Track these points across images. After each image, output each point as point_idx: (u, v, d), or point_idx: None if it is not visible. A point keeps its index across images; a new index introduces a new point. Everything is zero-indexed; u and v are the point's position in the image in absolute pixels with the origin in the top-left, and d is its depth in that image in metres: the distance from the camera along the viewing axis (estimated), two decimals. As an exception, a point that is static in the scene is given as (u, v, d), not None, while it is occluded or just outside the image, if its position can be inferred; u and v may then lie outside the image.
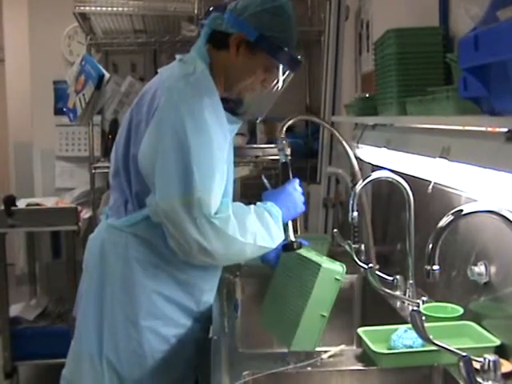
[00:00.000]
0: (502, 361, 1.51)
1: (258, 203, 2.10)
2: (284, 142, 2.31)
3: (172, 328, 2.06)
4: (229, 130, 2.07)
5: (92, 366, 2.08)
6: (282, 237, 2.06)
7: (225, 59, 2.08)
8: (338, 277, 1.94)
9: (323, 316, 1.94)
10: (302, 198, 2.19)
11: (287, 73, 2.20)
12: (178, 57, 2.13)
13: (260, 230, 1.99)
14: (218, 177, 1.92)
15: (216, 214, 1.90)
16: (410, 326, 1.61)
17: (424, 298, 2.06)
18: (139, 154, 1.98)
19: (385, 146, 2.17)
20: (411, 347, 1.70)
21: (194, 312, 2.10)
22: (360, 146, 2.58)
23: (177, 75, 2.02)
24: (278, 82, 2.17)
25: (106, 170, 4.57)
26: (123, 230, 2.06)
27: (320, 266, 1.94)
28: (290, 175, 2.27)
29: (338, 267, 1.96)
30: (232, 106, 2.19)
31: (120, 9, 4.27)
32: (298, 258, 2.09)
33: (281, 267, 2.21)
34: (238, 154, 4.45)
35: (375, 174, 2.20)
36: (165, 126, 1.92)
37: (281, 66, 2.15)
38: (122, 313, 2.04)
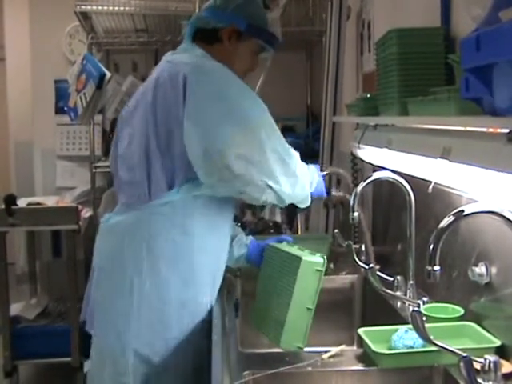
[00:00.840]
0: (503, 361, 1.51)
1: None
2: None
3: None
4: None
5: (114, 360, 2.10)
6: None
7: (219, 51, 2.25)
8: (319, 268, 1.93)
9: (309, 309, 1.93)
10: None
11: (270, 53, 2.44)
12: (167, 56, 2.29)
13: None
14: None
15: None
16: (410, 326, 1.61)
17: (425, 299, 2.06)
18: (185, 137, 2.03)
19: (386, 147, 2.16)
20: (412, 347, 1.69)
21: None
22: (361, 146, 2.58)
23: (190, 58, 2.19)
24: (265, 59, 2.41)
25: (106, 170, 4.58)
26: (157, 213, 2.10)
27: (300, 259, 1.94)
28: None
29: (318, 259, 1.95)
30: None
31: (121, 8, 4.27)
32: (280, 254, 2.11)
33: (264, 266, 2.22)
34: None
35: (376, 175, 2.20)
36: (207, 99, 2.05)
37: (266, 47, 2.36)
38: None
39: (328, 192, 2.46)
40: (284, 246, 2.15)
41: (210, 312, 2.13)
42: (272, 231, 3.50)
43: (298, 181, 2.16)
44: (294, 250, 2.08)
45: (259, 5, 2.33)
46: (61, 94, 4.86)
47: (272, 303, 2.03)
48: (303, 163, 2.26)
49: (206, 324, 2.10)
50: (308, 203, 2.27)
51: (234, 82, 2.14)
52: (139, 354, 2.06)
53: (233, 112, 2.06)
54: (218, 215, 2.16)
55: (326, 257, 1.97)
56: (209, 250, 2.14)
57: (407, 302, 2.13)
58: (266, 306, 2.07)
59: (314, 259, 1.95)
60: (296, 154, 2.22)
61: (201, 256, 2.11)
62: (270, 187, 2.06)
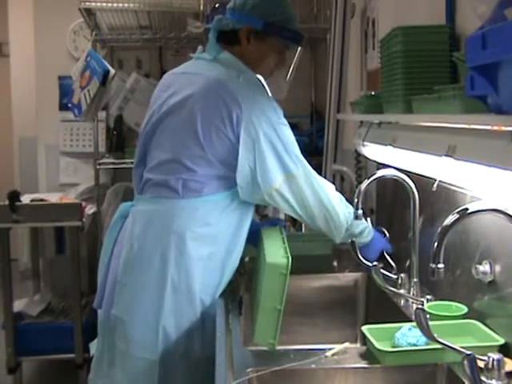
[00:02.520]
0: (506, 360, 1.51)
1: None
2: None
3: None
4: None
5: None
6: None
7: (239, 52, 2.29)
8: (283, 271, 1.91)
9: (277, 309, 1.93)
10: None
11: (298, 50, 2.56)
12: (196, 55, 2.38)
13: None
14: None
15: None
16: (414, 324, 1.61)
17: (428, 297, 2.06)
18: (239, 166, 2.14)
19: (390, 144, 2.16)
20: (415, 345, 1.69)
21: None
22: (365, 143, 2.58)
23: (227, 73, 2.22)
24: (290, 58, 2.36)
25: (110, 166, 4.59)
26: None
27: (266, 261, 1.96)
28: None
29: (282, 261, 1.93)
30: None
31: (125, 5, 4.27)
32: (261, 249, 2.12)
33: (255, 259, 2.29)
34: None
35: (380, 172, 2.20)
36: (257, 132, 2.13)
37: (289, 44, 2.38)
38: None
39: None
40: (268, 237, 2.18)
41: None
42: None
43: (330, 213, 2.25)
44: (272, 244, 2.09)
45: (280, 2, 2.31)
46: (65, 90, 4.86)
47: (254, 300, 2.09)
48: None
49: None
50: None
51: (278, 111, 2.22)
52: (167, 334, 2.14)
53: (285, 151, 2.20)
54: (243, 213, 2.27)
55: (290, 257, 1.94)
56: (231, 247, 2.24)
57: (411, 300, 2.13)
58: (253, 303, 2.12)
59: (277, 261, 1.93)
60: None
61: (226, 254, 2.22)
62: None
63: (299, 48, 2.49)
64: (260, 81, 2.29)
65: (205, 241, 2.17)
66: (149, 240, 2.19)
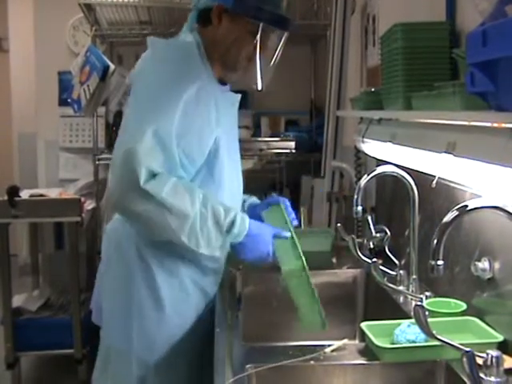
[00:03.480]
0: (505, 357, 1.51)
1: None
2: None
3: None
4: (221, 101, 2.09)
5: (120, 359, 2.11)
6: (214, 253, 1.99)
7: (212, 34, 2.07)
8: (302, 274, 1.95)
9: (312, 301, 1.95)
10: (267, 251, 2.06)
11: (282, 36, 2.14)
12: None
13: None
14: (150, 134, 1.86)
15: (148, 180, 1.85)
16: (413, 320, 1.61)
17: (427, 293, 2.06)
18: None
19: (390, 141, 2.16)
20: (414, 342, 1.69)
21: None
22: (365, 140, 2.58)
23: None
24: (271, 44, 2.12)
25: (109, 162, 4.57)
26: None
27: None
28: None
29: (296, 264, 1.96)
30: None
31: (125, 0, 4.27)
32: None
33: None
34: (243, 148, 4.47)
35: (380, 169, 2.19)
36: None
37: (268, 27, 2.06)
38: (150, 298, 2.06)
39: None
40: (279, 242, 2.08)
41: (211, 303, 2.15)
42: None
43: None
44: (281, 244, 2.06)
45: None
46: (64, 85, 4.85)
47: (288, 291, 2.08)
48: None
49: (207, 315, 2.13)
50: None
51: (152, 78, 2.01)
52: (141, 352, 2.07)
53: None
54: None
55: (302, 256, 1.97)
56: None
57: (410, 297, 2.13)
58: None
59: (292, 267, 1.97)
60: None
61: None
62: None
63: (285, 34, 2.12)
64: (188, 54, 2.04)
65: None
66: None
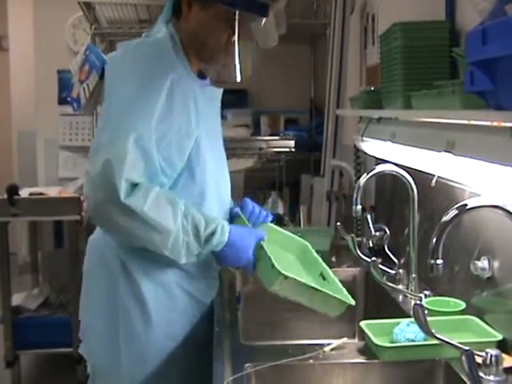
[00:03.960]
0: (504, 355, 1.51)
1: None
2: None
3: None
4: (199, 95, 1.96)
5: (108, 378, 2.05)
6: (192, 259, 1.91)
7: (185, 25, 1.93)
8: (281, 281, 1.83)
9: (313, 293, 1.86)
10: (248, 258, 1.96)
11: (260, 22, 1.96)
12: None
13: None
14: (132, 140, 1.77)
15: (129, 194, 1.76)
16: (412, 319, 1.61)
17: (426, 292, 2.06)
18: None
19: (389, 140, 2.16)
20: (413, 341, 1.69)
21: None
22: (364, 139, 2.58)
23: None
24: (247, 32, 1.93)
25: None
26: None
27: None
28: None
29: (272, 274, 1.83)
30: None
31: (125, -2, 4.27)
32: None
33: None
34: (242, 146, 4.47)
35: (379, 168, 2.19)
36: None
37: (246, 15, 1.89)
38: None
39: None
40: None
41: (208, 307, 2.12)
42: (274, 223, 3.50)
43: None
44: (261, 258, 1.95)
45: None
46: (64, 84, 4.85)
47: None
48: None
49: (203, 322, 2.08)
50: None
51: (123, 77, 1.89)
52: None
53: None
54: None
55: (277, 269, 1.82)
56: None
57: (409, 296, 2.13)
58: None
59: (271, 277, 1.84)
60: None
61: None
62: None
63: (263, 20, 1.94)
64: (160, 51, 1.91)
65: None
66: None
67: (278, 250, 2.08)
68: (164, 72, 1.84)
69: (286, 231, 2.20)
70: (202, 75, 2.01)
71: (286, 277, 1.79)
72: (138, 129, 1.76)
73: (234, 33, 1.87)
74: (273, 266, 1.80)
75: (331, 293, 1.86)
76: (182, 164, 1.91)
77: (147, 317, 1.96)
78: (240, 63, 1.91)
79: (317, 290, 1.84)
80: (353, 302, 1.87)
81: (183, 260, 1.87)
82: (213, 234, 1.87)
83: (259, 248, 1.92)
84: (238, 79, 1.93)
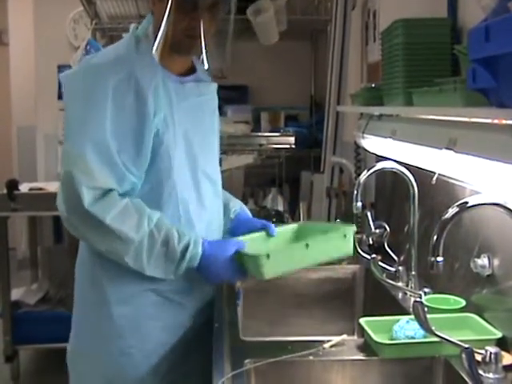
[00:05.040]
0: (504, 353, 1.51)
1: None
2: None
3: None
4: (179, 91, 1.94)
5: None
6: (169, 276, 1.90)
7: (155, 20, 1.93)
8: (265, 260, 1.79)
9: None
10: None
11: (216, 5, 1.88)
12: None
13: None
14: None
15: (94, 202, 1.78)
16: (412, 316, 1.61)
17: (426, 290, 2.06)
18: None
19: (390, 137, 2.16)
20: (413, 338, 1.69)
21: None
22: (365, 136, 2.58)
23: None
24: (204, 16, 1.84)
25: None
26: None
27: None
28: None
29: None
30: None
31: (126, -6, 4.26)
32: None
33: None
34: (242, 143, 4.47)
35: (380, 165, 2.19)
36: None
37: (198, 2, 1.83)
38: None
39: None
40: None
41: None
42: (274, 220, 3.51)
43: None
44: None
45: None
46: (64, 79, 4.85)
47: None
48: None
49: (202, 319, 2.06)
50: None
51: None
52: None
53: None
54: None
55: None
56: None
57: (409, 293, 2.13)
58: None
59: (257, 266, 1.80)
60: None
61: None
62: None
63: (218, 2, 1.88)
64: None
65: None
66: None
67: (260, 242, 2.06)
68: (116, 68, 1.84)
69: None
70: (187, 72, 2.01)
71: (268, 255, 1.77)
72: (94, 137, 1.78)
73: (192, 19, 1.84)
74: (251, 255, 1.81)
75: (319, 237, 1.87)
76: (147, 160, 1.86)
77: (120, 337, 1.95)
78: (208, 52, 1.88)
79: (306, 244, 1.82)
80: (353, 229, 1.89)
81: (149, 272, 1.85)
82: (186, 247, 1.86)
83: (240, 256, 1.88)
84: (206, 65, 1.91)
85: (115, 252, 1.83)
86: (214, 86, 2.12)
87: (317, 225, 2.18)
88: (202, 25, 1.83)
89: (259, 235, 2.09)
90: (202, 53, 1.87)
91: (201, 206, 1.99)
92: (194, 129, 1.99)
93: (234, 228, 2.16)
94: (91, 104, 1.81)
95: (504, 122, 1.35)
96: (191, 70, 2.03)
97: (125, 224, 1.79)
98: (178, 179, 1.92)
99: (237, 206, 2.24)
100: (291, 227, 2.20)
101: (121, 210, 1.79)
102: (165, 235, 1.83)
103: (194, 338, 2.02)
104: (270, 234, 2.09)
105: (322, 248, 1.87)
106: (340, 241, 1.90)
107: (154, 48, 1.84)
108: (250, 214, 2.26)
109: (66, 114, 1.88)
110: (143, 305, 1.94)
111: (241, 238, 2.01)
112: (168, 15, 1.81)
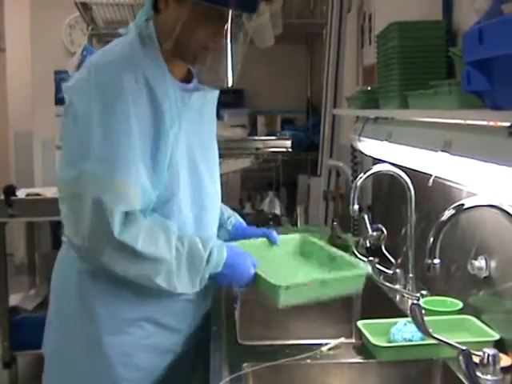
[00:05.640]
0: (501, 355, 1.51)
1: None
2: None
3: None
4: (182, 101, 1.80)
5: None
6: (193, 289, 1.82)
7: (163, 24, 1.76)
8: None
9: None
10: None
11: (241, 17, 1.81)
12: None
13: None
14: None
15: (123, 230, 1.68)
16: (409, 319, 1.61)
17: (423, 292, 2.06)
18: None
19: (386, 140, 2.16)
20: (411, 340, 1.69)
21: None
22: (361, 139, 2.58)
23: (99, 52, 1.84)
24: (228, 28, 1.73)
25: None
26: None
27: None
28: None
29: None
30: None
31: (121, -1, 4.27)
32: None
33: None
34: (239, 146, 4.47)
35: (376, 168, 2.19)
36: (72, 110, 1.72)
37: (222, 9, 1.71)
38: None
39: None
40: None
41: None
42: (271, 223, 3.50)
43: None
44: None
45: None
46: (61, 85, 4.84)
47: None
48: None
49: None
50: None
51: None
52: None
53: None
54: None
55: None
56: None
57: (406, 295, 2.13)
58: None
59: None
60: None
61: None
62: None
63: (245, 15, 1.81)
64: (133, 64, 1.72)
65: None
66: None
67: (271, 262, 2.01)
68: (125, 76, 1.68)
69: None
70: (188, 78, 1.90)
71: (288, 286, 1.75)
72: (123, 154, 1.66)
73: (215, 31, 1.73)
74: (271, 283, 1.77)
75: (336, 276, 1.85)
76: (162, 175, 1.76)
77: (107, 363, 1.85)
78: (227, 65, 1.78)
79: (323, 280, 1.83)
80: (368, 270, 1.88)
81: (178, 288, 1.77)
82: (210, 253, 1.79)
83: (258, 277, 1.86)
84: (227, 83, 1.82)
85: (145, 276, 1.73)
86: (217, 93, 1.99)
87: (320, 243, 2.13)
88: (226, 38, 1.73)
89: (261, 242, 2.08)
90: (219, 65, 1.78)
91: (200, 222, 1.91)
92: (196, 140, 1.89)
93: (234, 240, 2.06)
94: (111, 114, 1.67)
95: (499, 123, 1.35)
96: (189, 76, 1.92)
97: (156, 246, 1.71)
98: (182, 196, 1.84)
99: (232, 216, 2.18)
100: (293, 238, 2.18)
101: (147, 232, 1.70)
102: (189, 245, 1.76)
103: (186, 362, 1.97)
104: (272, 242, 2.08)
105: (337, 286, 1.85)
106: (355, 280, 1.88)
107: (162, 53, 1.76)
108: (244, 224, 2.21)
109: (79, 126, 1.70)
110: (135, 335, 1.85)
111: (242, 242, 2.01)
112: (185, 21, 1.70)
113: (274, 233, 2.10)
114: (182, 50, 1.76)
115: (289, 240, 2.16)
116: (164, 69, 1.76)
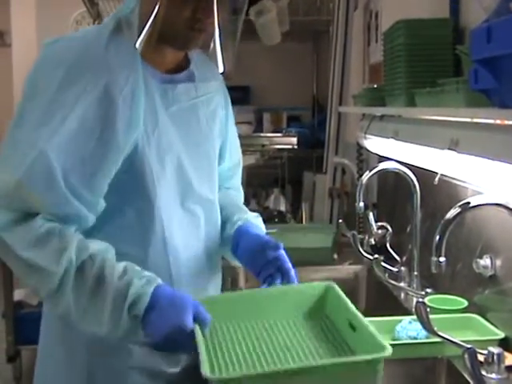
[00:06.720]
0: (506, 354, 1.51)
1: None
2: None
3: None
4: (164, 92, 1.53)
5: None
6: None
7: (146, 6, 1.46)
8: None
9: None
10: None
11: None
12: None
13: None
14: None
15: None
16: (414, 317, 1.61)
17: (429, 290, 2.06)
18: None
19: (392, 137, 2.16)
20: (415, 338, 1.69)
21: None
22: (367, 136, 2.58)
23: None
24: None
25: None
26: None
27: None
28: None
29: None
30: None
31: (128, -6, 4.26)
32: None
33: None
34: (245, 143, 4.48)
35: (382, 165, 2.19)
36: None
37: None
38: None
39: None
40: None
41: None
42: (276, 220, 3.51)
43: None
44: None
45: None
46: (66, 80, 4.86)
47: None
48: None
49: None
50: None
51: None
52: None
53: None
54: None
55: None
56: None
57: (411, 293, 2.13)
58: None
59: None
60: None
61: None
62: None
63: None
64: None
65: None
66: None
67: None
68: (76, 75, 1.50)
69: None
70: (179, 68, 1.61)
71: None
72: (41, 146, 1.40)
73: (196, 8, 1.45)
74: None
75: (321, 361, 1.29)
76: (104, 183, 1.44)
77: None
78: (221, 45, 1.53)
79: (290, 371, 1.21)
80: (388, 351, 1.29)
81: (75, 317, 1.39)
82: (129, 284, 1.37)
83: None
84: (221, 68, 1.56)
85: (37, 289, 1.42)
86: (217, 84, 1.71)
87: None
88: (215, 16, 1.47)
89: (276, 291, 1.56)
90: (207, 49, 1.54)
91: (187, 242, 1.58)
92: (186, 139, 1.58)
93: (237, 245, 1.69)
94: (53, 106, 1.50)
95: (506, 122, 1.35)
96: (183, 66, 1.63)
97: (44, 254, 1.38)
98: (164, 207, 1.52)
99: (242, 219, 1.76)
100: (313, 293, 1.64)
101: (40, 236, 1.38)
102: (100, 268, 1.38)
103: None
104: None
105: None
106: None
107: (139, 40, 1.46)
108: (258, 227, 1.76)
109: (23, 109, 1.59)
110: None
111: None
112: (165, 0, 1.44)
113: (294, 274, 1.62)
114: (169, 34, 1.49)
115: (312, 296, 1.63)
116: (134, 60, 1.49)
